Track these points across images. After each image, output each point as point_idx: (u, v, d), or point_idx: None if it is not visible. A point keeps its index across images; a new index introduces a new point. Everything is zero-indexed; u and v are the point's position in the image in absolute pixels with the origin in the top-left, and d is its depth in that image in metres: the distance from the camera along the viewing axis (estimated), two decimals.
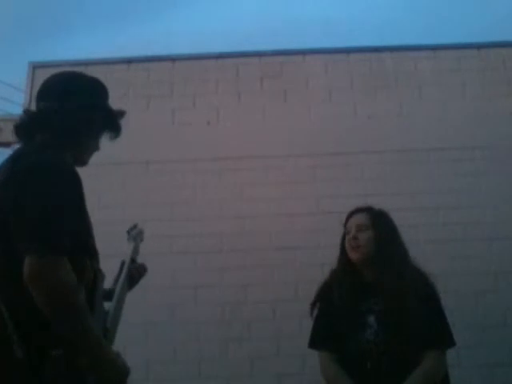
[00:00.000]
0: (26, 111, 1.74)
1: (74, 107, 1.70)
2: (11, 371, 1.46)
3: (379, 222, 2.39)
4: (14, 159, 1.65)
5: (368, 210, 2.45)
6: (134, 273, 1.94)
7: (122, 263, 1.93)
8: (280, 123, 4.23)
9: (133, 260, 1.96)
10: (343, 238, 2.43)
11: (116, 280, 1.87)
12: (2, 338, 1.46)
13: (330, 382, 2.30)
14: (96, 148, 1.83)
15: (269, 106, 4.31)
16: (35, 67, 4.42)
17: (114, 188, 4.02)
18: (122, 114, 1.83)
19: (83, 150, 1.77)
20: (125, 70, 4.43)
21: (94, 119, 1.77)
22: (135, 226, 2.14)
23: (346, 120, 4.23)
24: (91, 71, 4.56)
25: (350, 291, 2.30)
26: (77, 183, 1.60)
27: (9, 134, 4.86)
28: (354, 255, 2.34)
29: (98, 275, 1.67)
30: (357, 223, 2.38)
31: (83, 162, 1.79)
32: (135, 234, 2.10)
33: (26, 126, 1.72)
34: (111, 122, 1.81)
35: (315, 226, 3.93)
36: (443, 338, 2.26)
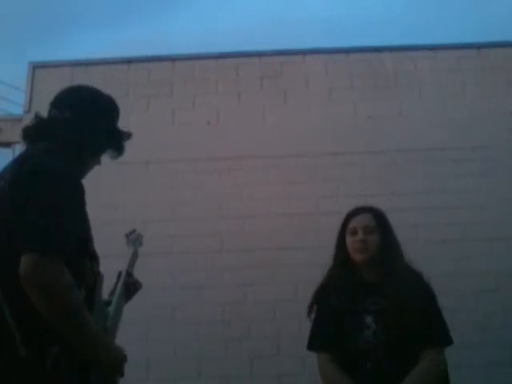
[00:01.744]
0: (37, 116, 1.76)
1: (84, 122, 1.72)
2: (15, 370, 1.48)
3: (384, 224, 2.39)
4: (19, 162, 1.68)
5: (371, 210, 2.44)
6: (131, 286, 1.93)
7: (119, 275, 1.93)
8: (280, 123, 4.23)
9: (129, 274, 1.95)
10: (342, 237, 2.42)
11: (112, 292, 1.87)
12: (5, 337, 1.48)
13: None
14: (96, 164, 1.85)
15: (269, 106, 4.31)
16: (35, 67, 4.44)
17: (114, 188, 4.02)
18: (128, 136, 1.85)
19: (82, 163, 1.78)
20: (125, 70, 4.43)
21: (100, 137, 1.78)
22: (134, 231, 2.14)
23: (346, 120, 4.23)
24: (91, 71, 4.56)
25: (347, 291, 2.30)
26: (78, 187, 1.62)
27: (9, 134, 4.90)
28: (359, 256, 2.32)
29: (97, 278, 1.69)
30: (364, 225, 2.35)
31: (81, 175, 1.79)
32: (134, 238, 2.09)
33: (35, 129, 1.74)
34: (116, 142, 1.83)
35: (315, 226, 3.94)
36: (440, 337, 2.26)
